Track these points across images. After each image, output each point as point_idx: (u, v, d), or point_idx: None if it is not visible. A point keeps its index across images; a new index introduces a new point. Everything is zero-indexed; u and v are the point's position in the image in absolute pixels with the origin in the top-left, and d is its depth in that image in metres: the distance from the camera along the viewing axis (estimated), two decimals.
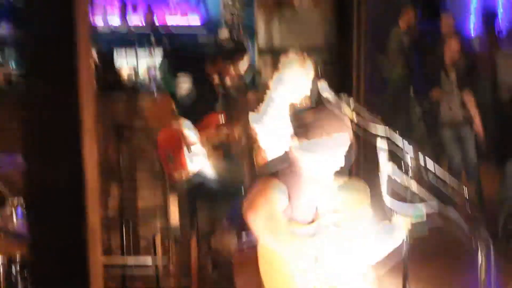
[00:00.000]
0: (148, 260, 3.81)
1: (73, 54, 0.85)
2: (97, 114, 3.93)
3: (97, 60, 5.25)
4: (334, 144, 2.62)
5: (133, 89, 5.13)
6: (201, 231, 4.41)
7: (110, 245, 4.67)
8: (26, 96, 0.87)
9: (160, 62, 6.30)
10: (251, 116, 3.77)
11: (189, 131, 4.09)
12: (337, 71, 5.72)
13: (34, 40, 0.88)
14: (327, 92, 3.52)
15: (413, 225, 2.84)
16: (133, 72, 5.66)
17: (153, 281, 4.05)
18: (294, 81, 3.87)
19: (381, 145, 2.79)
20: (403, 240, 3.09)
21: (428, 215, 2.79)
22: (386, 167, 2.80)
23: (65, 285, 0.87)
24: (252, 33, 6.18)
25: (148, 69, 6.24)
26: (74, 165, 0.84)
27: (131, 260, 3.98)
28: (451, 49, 6.01)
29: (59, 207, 0.84)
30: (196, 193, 4.22)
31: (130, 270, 4.45)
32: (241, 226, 2.36)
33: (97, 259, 0.88)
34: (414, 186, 2.78)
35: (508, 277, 4.30)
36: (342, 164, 2.66)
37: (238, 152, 4.19)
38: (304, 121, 2.61)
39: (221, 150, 4.22)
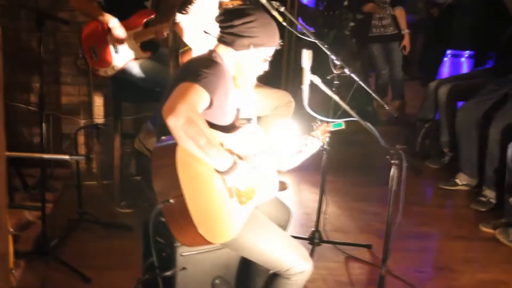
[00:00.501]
0: (69, 157, 3.76)
1: None
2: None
3: None
4: (261, 55, 2.62)
5: None
6: (125, 130, 4.39)
7: (32, 140, 4.60)
8: None
9: None
10: (179, 15, 3.70)
11: (116, 28, 3.97)
12: None
13: None
14: None
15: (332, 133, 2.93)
16: None
17: (74, 179, 4.01)
18: None
19: (306, 55, 2.81)
20: (323, 152, 3.18)
21: (348, 124, 2.87)
22: (309, 78, 2.83)
23: None
24: None
25: None
26: None
27: (51, 156, 3.92)
28: None
29: None
30: (121, 92, 4.15)
31: (50, 168, 4.42)
32: (162, 129, 2.36)
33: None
34: (337, 98, 2.83)
35: (416, 192, 4.54)
36: (266, 69, 2.68)
37: (165, 52, 4.14)
38: (233, 29, 2.58)
39: (149, 49, 4.14)
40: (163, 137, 2.39)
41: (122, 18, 4.02)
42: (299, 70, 2.97)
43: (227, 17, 2.62)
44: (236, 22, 2.57)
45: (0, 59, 0.88)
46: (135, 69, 4.05)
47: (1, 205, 0.94)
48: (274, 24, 2.65)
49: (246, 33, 2.56)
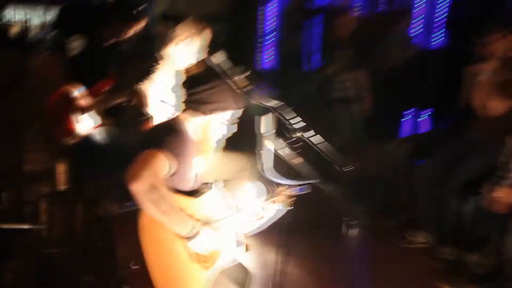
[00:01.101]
0: (31, 226, 3.76)
1: None
2: None
3: None
4: (225, 119, 2.73)
5: (23, 47, 4.96)
6: (88, 198, 4.40)
7: None
8: None
9: (53, 19, 6.11)
10: (140, 85, 3.79)
11: (80, 96, 4.04)
12: (236, 42, 5.77)
13: None
14: (223, 63, 3.60)
15: (294, 196, 2.99)
16: (23, 28, 5.45)
17: (37, 248, 4.00)
18: (188, 49, 3.91)
19: (265, 121, 2.92)
20: (283, 212, 3.24)
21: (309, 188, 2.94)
22: (271, 142, 2.92)
23: None
24: None
25: (40, 26, 6.04)
26: None
27: (12, 226, 3.91)
28: (347, 21, 6.18)
29: None
30: (85, 159, 4.18)
31: (11, 237, 4.37)
32: (125, 196, 2.41)
33: None
34: (298, 161, 2.91)
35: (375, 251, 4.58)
36: (229, 132, 2.77)
37: (129, 119, 4.19)
38: (199, 96, 2.68)
39: (113, 116, 4.20)
40: (127, 203, 2.44)
41: (85, 87, 4.09)
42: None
43: (191, 84, 2.73)
44: (200, 89, 2.68)
45: None
46: (98, 136, 4.11)
47: None
48: (232, 89, 2.74)
49: (210, 98, 2.66)
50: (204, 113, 2.68)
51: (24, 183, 4.64)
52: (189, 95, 2.71)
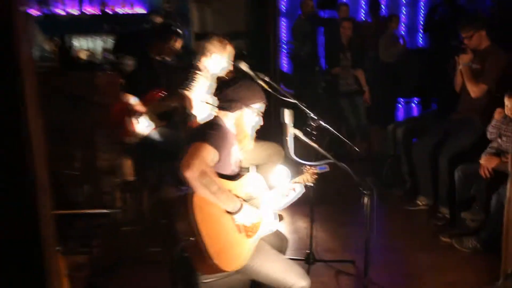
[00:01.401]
0: (109, 210, 3.77)
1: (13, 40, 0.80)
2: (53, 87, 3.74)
3: (59, 43, 5.06)
4: (252, 111, 2.65)
5: (90, 68, 4.95)
6: (151, 185, 4.39)
7: (76, 199, 4.57)
8: None
9: (112, 45, 6.13)
10: (185, 91, 3.75)
11: (136, 104, 4.03)
12: (257, 52, 5.71)
13: None
14: (248, 70, 3.56)
15: (317, 174, 2.93)
16: (89, 53, 5.46)
17: (114, 228, 4.03)
18: (218, 60, 3.88)
19: (286, 113, 2.84)
20: (310, 188, 3.18)
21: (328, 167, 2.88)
22: (291, 131, 2.86)
23: (18, 241, 0.84)
24: (187, 20, 6.07)
25: (102, 51, 6.07)
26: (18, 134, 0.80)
27: (94, 211, 3.92)
28: (346, 29, 6.08)
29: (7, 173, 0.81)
30: (146, 154, 4.17)
31: (94, 220, 4.38)
32: (180, 181, 2.37)
33: (47, 212, 0.85)
34: (316, 145, 2.86)
35: (386, 215, 4.52)
36: (260, 123, 2.70)
37: (177, 120, 4.17)
38: (228, 97, 2.63)
39: (164, 118, 4.18)
40: (182, 187, 2.40)
41: (140, 96, 4.07)
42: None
43: (221, 89, 2.68)
44: (227, 91, 2.63)
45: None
46: (155, 135, 4.09)
47: (54, 254, 0.94)
48: (256, 86, 2.73)
49: (236, 96, 2.60)
50: (235, 109, 2.61)
51: (100, 177, 4.64)
52: (221, 96, 2.65)
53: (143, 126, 4.06)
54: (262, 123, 2.72)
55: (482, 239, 3.77)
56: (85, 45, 6.42)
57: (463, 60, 4.30)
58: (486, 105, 4.25)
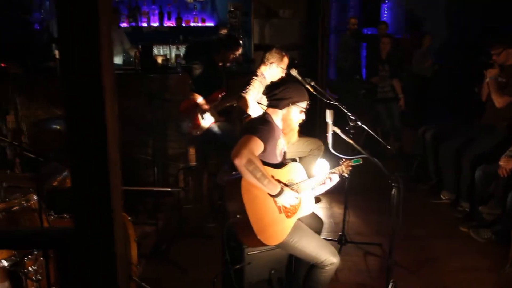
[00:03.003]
0: (174, 189, 3.84)
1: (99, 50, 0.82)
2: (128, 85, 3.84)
3: (141, 50, 5.19)
4: (298, 108, 2.62)
5: (165, 71, 5.05)
6: (210, 170, 4.44)
7: (148, 179, 4.69)
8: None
9: (183, 52, 6.22)
10: (242, 93, 3.76)
11: (203, 102, 4.08)
12: (308, 62, 5.66)
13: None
14: (297, 76, 3.52)
15: (352, 166, 2.87)
16: (165, 59, 5.57)
17: (177, 205, 4.09)
18: (274, 69, 3.85)
19: (329, 114, 2.79)
20: (345, 179, 3.11)
21: (363, 160, 2.82)
22: (332, 129, 2.81)
23: (92, 211, 0.85)
24: (249, 33, 6.09)
25: (176, 57, 6.17)
26: (99, 121, 0.82)
27: (161, 189, 4.00)
28: (385, 44, 5.95)
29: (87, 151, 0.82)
30: (207, 144, 4.22)
31: (161, 197, 4.49)
32: (232, 168, 2.37)
33: (117, 186, 0.86)
34: (353, 143, 2.80)
35: (412, 206, 4.36)
36: (304, 118, 2.66)
37: (234, 116, 4.19)
38: (277, 96, 2.61)
39: (224, 114, 4.21)
40: (233, 173, 2.41)
41: (205, 96, 4.12)
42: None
43: (270, 89, 2.66)
44: (276, 91, 2.60)
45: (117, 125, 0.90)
46: (215, 128, 4.13)
47: (121, 221, 0.96)
48: (302, 87, 2.69)
49: (285, 96, 2.57)
50: (283, 106, 2.58)
51: (168, 161, 4.74)
52: (270, 95, 2.63)
53: (207, 120, 4.10)
54: (305, 119, 2.68)
55: (496, 231, 3.66)
56: (162, 52, 6.56)
57: (491, 74, 4.17)
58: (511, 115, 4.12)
